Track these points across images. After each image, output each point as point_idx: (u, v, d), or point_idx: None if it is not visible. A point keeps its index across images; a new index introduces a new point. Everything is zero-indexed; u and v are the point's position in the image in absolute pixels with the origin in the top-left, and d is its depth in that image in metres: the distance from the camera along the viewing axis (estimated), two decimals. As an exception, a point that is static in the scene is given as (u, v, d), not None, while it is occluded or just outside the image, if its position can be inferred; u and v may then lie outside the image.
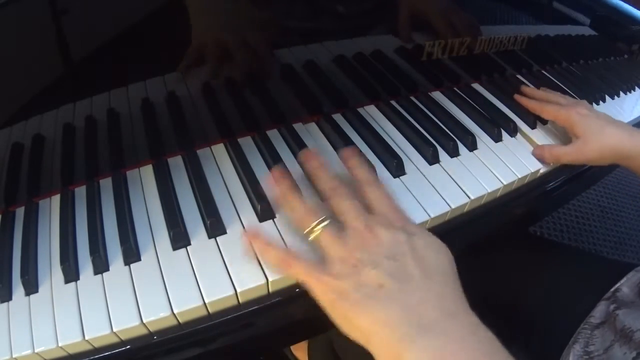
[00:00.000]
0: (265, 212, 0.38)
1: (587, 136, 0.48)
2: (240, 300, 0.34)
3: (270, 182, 0.38)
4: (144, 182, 0.41)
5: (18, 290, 0.34)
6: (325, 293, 0.30)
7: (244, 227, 0.37)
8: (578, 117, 0.49)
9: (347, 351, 0.57)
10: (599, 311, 0.46)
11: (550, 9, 0.62)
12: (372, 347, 0.28)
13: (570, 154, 0.48)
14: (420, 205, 0.41)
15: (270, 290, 0.35)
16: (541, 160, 0.49)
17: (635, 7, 0.70)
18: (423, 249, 0.32)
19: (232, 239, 0.36)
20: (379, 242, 0.32)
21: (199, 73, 0.41)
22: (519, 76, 0.64)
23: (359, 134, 0.48)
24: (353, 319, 0.29)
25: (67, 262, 0.34)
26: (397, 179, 0.43)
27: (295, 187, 0.37)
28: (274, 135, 0.46)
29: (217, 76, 0.42)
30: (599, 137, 0.47)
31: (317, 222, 0.33)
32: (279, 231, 0.37)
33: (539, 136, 0.52)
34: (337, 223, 0.33)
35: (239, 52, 0.41)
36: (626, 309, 0.43)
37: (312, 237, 0.33)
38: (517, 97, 0.56)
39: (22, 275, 0.34)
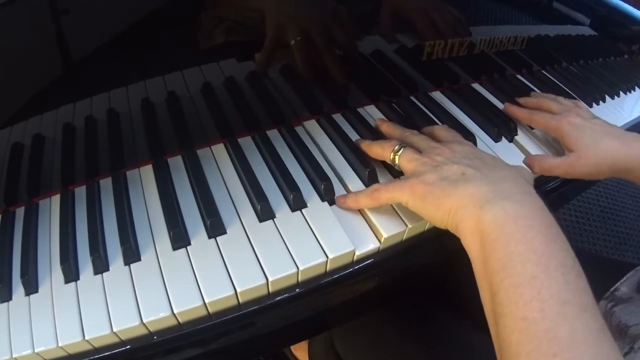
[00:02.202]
0: (265, 212, 0.38)
1: (580, 150, 0.44)
2: (240, 300, 0.34)
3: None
4: (144, 182, 0.41)
5: (18, 290, 0.34)
6: (415, 192, 0.35)
7: (244, 227, 0.37)
8: (569, 128, 0.45)
9: (348, 351, 0.57)
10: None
11: (550, 9, 0.62)
12: (457, 218, 0.33)
13: (560, 167, 0.44)
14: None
15: (270, 290, 0.35)
16: (532, 170, 0.46)
17: (635, 7, 0.70)
18: (489, 156, 0.38)
19: (232, 239, 0.36)
20: (454, 151, 0.38)
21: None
22: (519, 76, 0.64)
23: (358, 134, 0.48)
24: (443, 201, 0.34)
25: (67, 262, 0.34)
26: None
27: (372, 140, 0.43)
28: (274, 135, 0.46)
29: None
30: (593, 152, 0.43)
31: (393, 150, 0.39)
32: (278, 231, 0.37)
33: (538, 137, 0.52)
34: (413, 150, 0.39)
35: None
36: (622, 304, 0.43)
37: (396, 162, 0.39)
38: (506, 106, 0.54)
39: (22, 275, 0.34)
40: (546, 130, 0.49)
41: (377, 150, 0.42)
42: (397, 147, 0.39)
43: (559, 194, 0.53)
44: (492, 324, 0.30)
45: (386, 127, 0.46)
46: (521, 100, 0.55)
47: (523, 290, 0.27)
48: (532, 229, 0.30)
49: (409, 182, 0.36)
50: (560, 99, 0.53)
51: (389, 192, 0.37)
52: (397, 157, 0.39)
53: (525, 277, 0.28)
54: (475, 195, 0.32)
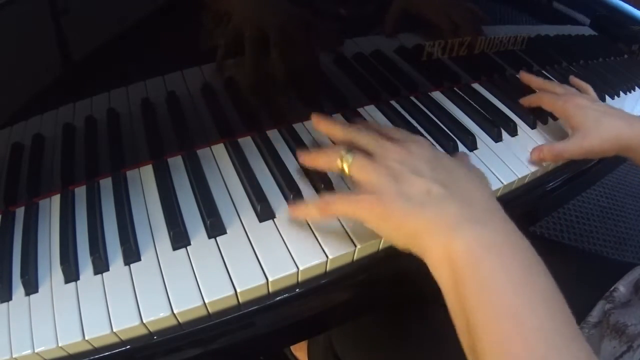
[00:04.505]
0: (265, 212, 0.38)
1: (585, 129, 0.46)
2: (240, 300, 0.34)
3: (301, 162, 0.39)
4: (144, 182, 0.41)
5: (18, 290, 0.34)
6: (372, 211, 0.31)
7: (244, 227, 0.37)
8: (574, 109, 0.47)
9: (346, 352, 0.57)
10: (597, 310, 0.46)
11: (550, 9, 0.62)
12: (423, 245, 0.30)
13: (570, 149, 0.46)
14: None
15: (270, 290, 0.35)
16: (541, 161, 0.47)
17: (635, 7, 0.70)
18: (451, 161, 0.34)
19: (232, 239, 0.36)
20: (413, 154, 0.33)
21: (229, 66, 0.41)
22: (519, 76, 0.63)
23: (359, 134, 0.48)
24: (406, 225, 0.30)
25: (67, 262, 0.34)
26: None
27: (314, 151, 0.38)
28: (274, 135, 0.46)
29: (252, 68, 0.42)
30: (597, 130, 0.45)
31: (340, 157, 0.34)
32: (278, 231, 0.37)
33: (538, 136, 0.52)
34: (365, 153, 0.34)
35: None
36: (621, 309, 0.43)
37: (347, 172, 0.34)
38: (522, 100, 0.56)
39: (22, 275, 0.34)
40: (552, 111, 0.51)
41: (323, 161, 0.36)
42: (345, 153, 0.34)
43: (559, 194, 0.53)
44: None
45: (325, 126, 0.39)
46: (526, 77, 0.57)
47: (503, 324, 0.25)
48: (508, 257, 0.27)
49: (366, 198, 0.31)
50: (566, 85, 0.55)
51: (343, 206, 0.32)
52: (346, 165, 0.33)
53: (504, 309, 0.25)
54: (443, 220, 0.29)
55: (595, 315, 0.46)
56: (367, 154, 0.34)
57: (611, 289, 0.47)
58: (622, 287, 0.47)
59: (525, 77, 0.57)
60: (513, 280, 0.26)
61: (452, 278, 0.28)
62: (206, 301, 0.32)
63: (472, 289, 0.27)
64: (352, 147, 0.35)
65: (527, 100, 0.55)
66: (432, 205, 0.30)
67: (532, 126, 0.54)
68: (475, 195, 0.31)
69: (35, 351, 0.31)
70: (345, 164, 0.34)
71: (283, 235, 0.37)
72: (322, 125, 0.40)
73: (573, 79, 0.58)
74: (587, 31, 0.68)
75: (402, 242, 0.31)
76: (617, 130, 0.45)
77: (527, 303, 0.26)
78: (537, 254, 0.29)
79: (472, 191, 0.31)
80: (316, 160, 0.37)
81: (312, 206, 0.34)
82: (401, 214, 0.30)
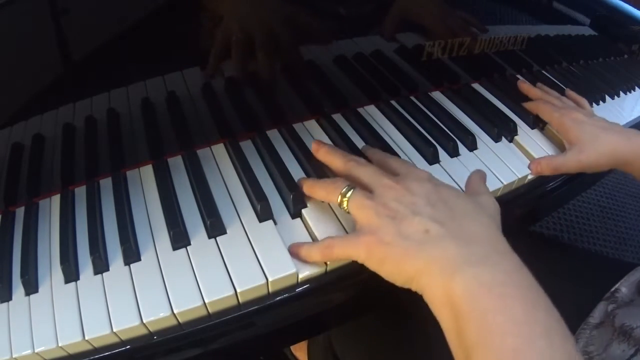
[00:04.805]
0: (265, 212, 0.38)
1: (582, 144, 0.46)
2: (240, 300, 0.34)
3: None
4: (144, 182, 0.41)
5: (18, 290, 0.34)
6: (371, 252, 0.31)
7: (244, 227, 0.37)
8: (571, 123, 0.48)
9: (346, 352, 0.57)
10: (598, 311, 0.46)
11: (550, 9, 0.62)
12: (422, 284, 0.30)
13: (568, 163, 0.46)
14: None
15: (270, 290, 0.35)
16: (539, 174, 0.47)
17: (635, 7, 0.70)
18: (453, 195, 0.33)
19: (232, 239, 0.36)
20: (412, 192, 0.33)
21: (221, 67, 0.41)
22: (518, 76, 0.63)
23: (358, 134, 0.48)
24: (405, 265, 0.30)
25: (67, 262, 0.34)
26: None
27: (315, 179, 0.39)
28: (274, 135, 0.46)
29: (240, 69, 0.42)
30: (594, 145, 0.46)
31: (340, 193, 0.34)
32: (278, 231, 0.37)
33: (538, 136, 0.52)
34: (364, 190, 0.34)
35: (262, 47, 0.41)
36: (625, 308, 0.43)
37: (345, 207, 0.34)
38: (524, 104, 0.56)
39: (22, 275, 0.34)
40: (549, 122, 0.51)
41: (321, 193, 0.37)
42: (344, 189, 0.34)
43: (559, 194, 0.53)
44: None
45: (324, 155, 0.40)
46: (525, 87, 0.57)
47: None
48: (510, 297, 0.27)
49: (363, 239, 0.32)
50: (563, 98, 0.55)
51: (342, 248, 0.33)
52: (345, 202, 0.34)
53: (506, 351, 0.25)
54: (442, 261, 0.29)
55: (596, 316, 0.46)
56: (365, 189, 0.34)
57: (612, 289, 0.47)
58: (624, 288, 0.47)
59: (524, 87, 0.58)
60: (514, 320, 0.26)
61: (452, 317, 0.28)
62: (206, 301, 0.32)
63: (472, 328, 0.27)
64: (352, 181, 0.35)
65: (525, 106, 0.55)
66: (430, 245, 0.30)
67: (532, 126, 0.54)
68: (476, 231, 0.31)
69: (35, 351, 0.31)
70: (344, 199, 0.34)
71: (282, 235, 0.37)
72: (321, 153, 0.40)
73: (569, 92, 0.59)
74: (587, 31, 0.68)
75: (401, 281, 0.31)
76: (614, 145, 0.45)
77: (528, 341, 0.26)
78: (539, 286, 0.29)
79: (473, 228, 0.31)
80: (314, 190, 0.37)
81: (315, 250, 0.35)
82: (399, 254, 0.30)
